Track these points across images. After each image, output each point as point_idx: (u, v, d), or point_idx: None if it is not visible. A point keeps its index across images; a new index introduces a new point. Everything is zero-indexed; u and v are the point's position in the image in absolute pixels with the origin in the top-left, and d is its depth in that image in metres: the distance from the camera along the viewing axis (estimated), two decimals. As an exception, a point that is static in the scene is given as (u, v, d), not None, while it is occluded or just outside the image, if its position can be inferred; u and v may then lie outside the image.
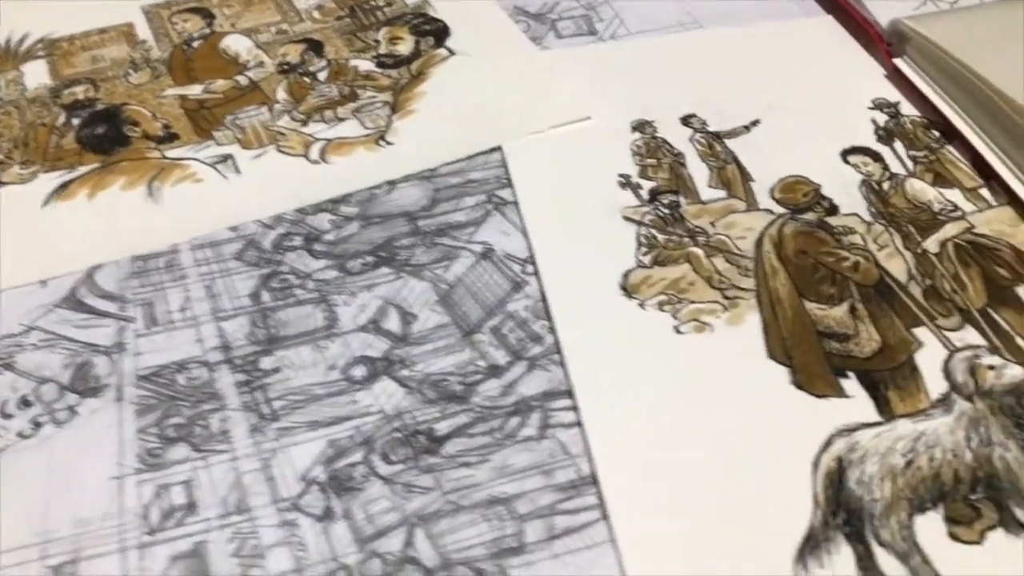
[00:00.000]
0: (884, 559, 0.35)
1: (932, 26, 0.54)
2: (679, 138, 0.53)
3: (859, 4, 0.59)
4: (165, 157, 0.53)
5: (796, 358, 0.42)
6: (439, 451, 0.39)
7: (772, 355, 0.42)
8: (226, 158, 0.52)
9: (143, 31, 0.61)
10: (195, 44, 0.60)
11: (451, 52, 0.58)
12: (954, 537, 0.36)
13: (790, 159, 0.51)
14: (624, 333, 0.43)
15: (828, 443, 0.38)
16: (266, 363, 0.42)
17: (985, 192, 0.49)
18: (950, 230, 0.47)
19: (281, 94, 0.56)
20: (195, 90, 0.57)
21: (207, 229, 0.48)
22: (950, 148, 0.51)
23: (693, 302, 0.44)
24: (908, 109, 0.54)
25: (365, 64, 0.58)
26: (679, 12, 0.61)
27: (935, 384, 0.40)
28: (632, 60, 0.58)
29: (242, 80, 0.57)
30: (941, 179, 0.50)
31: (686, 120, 0.54)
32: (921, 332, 0.42)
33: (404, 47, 0.59)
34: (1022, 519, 0.36)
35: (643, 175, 0.51)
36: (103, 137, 0.54)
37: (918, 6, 0.59)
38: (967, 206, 0.48)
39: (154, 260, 0.47)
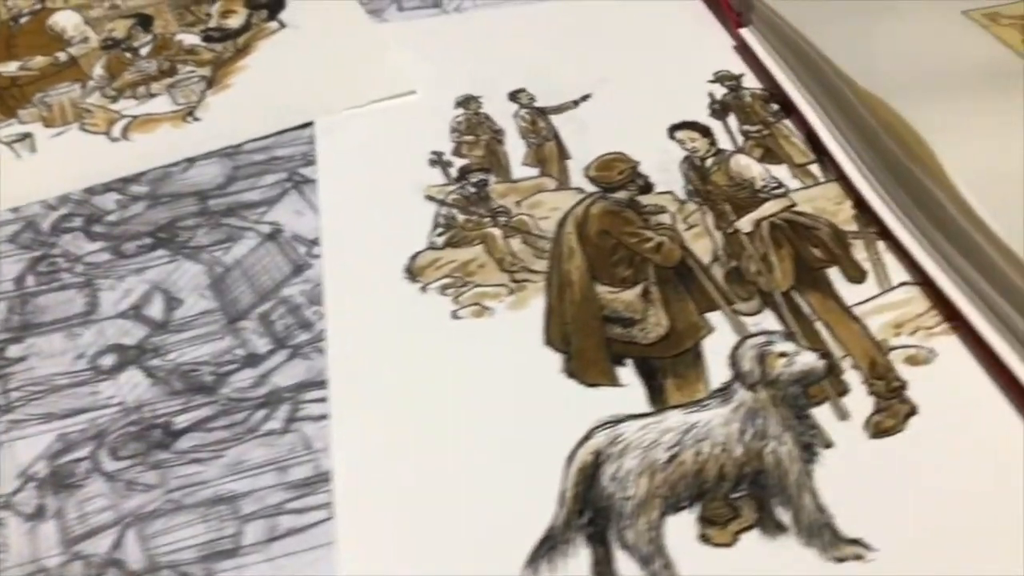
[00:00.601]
0: (624, 563, 0.32)
1: (776, -7, 0.50)
2: (505, 114, 0.50)
3: (715, -28, 0.56)
4: (-37, 136, 0.50)
5: (574, 344, 0.39)
6: (172, 446, 0.36)
7: (549, 341, 0.39)
8: (25, 136, 0.49)
9: (-27, 7, 0.59)
10: (23, 20, 0.58)
11: (281, 25, 0.55)
12: (705, 539, 0.33)
13: (615, 135, 0.48)
14: (397, 319, 0.40)
15: (588, 436, 0.36)
16: (13, 351, 0.39)
17: (815, 168, 0.46)
18: (769, 208, 0.44)
19: (98, 70, 0.53)
20: (11, 67, 0.54)
21: (-13, 210, 0.46)
22: (787, 122, 0.48)
23: (479, 285, 0.41)
24: (752, 82, 0.51)
25: (191, 38, 0.55)
26: (532, -17, 0.58)
27: (720, 372, 0.37)
28: (469, 33, 0.55)
29: (61, 56, 0.55)
30: (771, 154, 0.47)
31: (514, 95, 0.51)
32: (716, 317, 0.40)
33: (235, 20, 0.56)
34: (781, 520, 0.33)
35: (458, 152, 0.48)
36: (-97, 116, 0.52)
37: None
38: (793, 183, 0.45)
39: (-76, 243, 0.44)
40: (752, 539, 0.32)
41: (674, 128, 0.48)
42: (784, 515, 0.33)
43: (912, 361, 0.37)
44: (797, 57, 0.48)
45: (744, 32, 0.52)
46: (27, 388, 0.38)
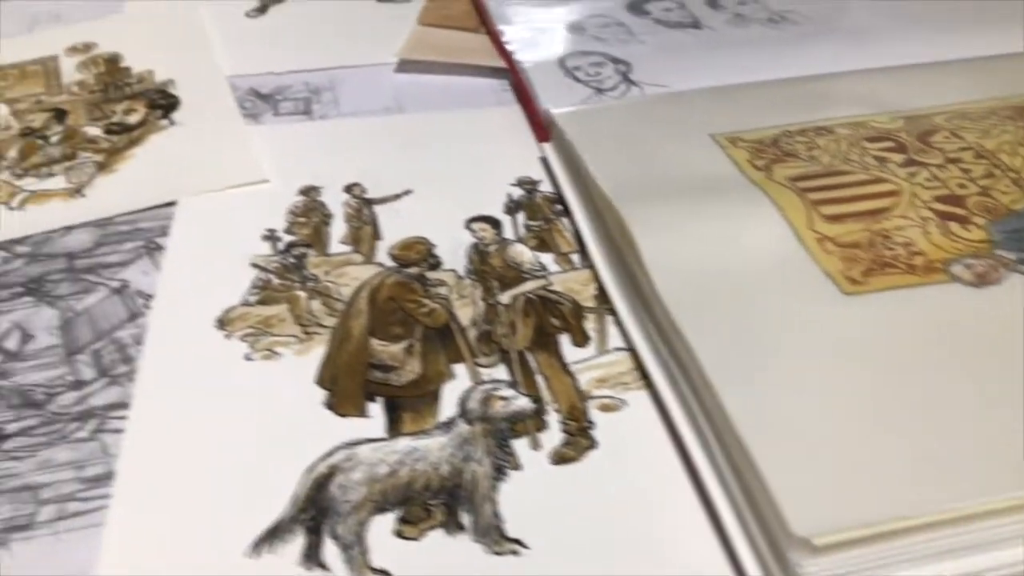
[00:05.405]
0: (329, 549, 0.40)
1: (568, 118, 0.61)
2: (338, 202, 0.60)
3: (536, 97, 0.67)
4: None
5: (339, 384, 0.48)
6: (1, 447, 0.45)
7: (320, 381, 0.48)
8: (-61, 201, 0.60)
9: (-83, 97, 0.70)
10: (-40, 110, 0.69)
11: (171, 123, 0.66)
12: (399, 534, 0.41)
13: (422, 223, 0.58)
14: (199, 357, 0.49)
15: (330, 453, 0.44)
16: None
17: (576, 257, 0.56)
18: (528, 286, 0.53)
19: (12, 153, 0.64)
20: (-59, 146, 0.65)
21: None
22: (565, 220, 0.58)
23: (275, 335, 0.50)
24: (547, 187, 0.61)
25: (95, 130, 0.66)
26: (388, 99, 0.69)
27: (451, 410, 0.46)
28: (327, 136, 0.66)
29: (-15, 139, 0.66)
30: (544, 244, 0.57)
31: (349, 187, 0.61)
32: (460, 368, 0.49)
33: (135, 117, 0.67)
34: (463, 522, 0.41)
35: (289, 231, 0.58)
36: None
37: (586, 97, 0.66)
38: (554, 268, 0.55)
39: None
40: (436, 536, 0.41)
41: (471, 220, 0.58)
42: (466, 519, 0.42)
43: (605, 408, 0.46)
44: (575, 169, 0.59)
45: (545, 146, 0.63)
46: None
